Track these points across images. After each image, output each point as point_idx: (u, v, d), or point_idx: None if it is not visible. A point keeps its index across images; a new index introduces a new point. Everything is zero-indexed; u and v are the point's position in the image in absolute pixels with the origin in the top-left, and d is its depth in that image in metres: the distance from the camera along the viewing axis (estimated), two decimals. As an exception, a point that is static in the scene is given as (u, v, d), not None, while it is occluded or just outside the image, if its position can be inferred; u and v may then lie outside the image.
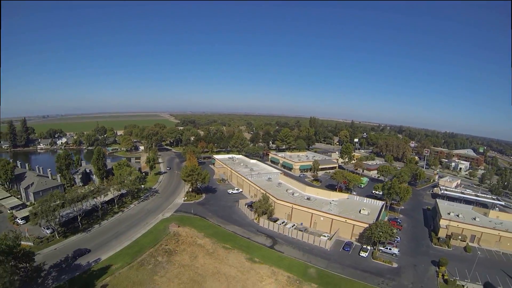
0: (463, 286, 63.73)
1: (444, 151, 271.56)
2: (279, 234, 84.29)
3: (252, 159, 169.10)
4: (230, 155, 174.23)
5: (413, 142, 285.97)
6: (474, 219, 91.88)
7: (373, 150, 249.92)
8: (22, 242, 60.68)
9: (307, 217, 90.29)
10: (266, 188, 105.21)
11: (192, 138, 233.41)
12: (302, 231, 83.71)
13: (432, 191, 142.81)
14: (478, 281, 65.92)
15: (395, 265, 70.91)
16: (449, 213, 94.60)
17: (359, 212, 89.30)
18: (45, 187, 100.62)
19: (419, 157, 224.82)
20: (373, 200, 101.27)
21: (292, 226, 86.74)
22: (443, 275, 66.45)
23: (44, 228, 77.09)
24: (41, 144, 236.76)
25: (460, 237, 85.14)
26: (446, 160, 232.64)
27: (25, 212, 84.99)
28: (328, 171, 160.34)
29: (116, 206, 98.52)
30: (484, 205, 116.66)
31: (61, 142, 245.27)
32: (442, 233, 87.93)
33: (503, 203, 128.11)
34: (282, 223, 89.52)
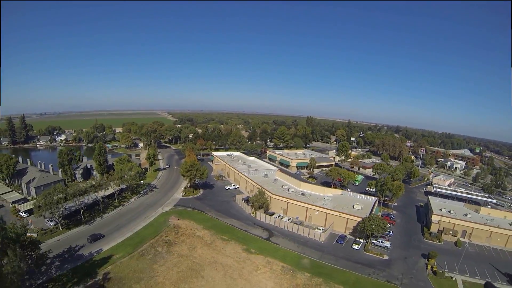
0: (451, 277, 66.55)
1: (441, 150, 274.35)
2: (276, 227, 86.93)
3: (250, 156, 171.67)
4: (228, 152, 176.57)
5: (410, 141, 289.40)
6: (466, 215, 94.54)
7: (370, 149, 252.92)
8: (27, 233, 62.80)
9: (302, 212, 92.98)
10: (262, 184, 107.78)
11: (190, 136, 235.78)
12: (297, 224, 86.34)
13: (425, 189, 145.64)
14: (466, 273, 68.70)
15: (386, 257, 73.63)
16: (441, 209, 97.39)
17: (353, 207, 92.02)
18: (47, 181, 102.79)
19: (415, 156, 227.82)
20: (366, 196, 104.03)
21: (288, 220, 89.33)
22: (432, 267, 69.21)
23: (47, 220, 79.55)
24: (40, 141, 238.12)
25: (451, 232, 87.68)
26: (442, 160, 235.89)
27: (28, 206, 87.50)
28: (324, 169, 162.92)
29: (117, 200, 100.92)
30: (476, 203, 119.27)
31: (61, 139, 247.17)
32: (434, 228, 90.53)
33: (494, 200, 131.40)
34: (279, 216, 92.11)
